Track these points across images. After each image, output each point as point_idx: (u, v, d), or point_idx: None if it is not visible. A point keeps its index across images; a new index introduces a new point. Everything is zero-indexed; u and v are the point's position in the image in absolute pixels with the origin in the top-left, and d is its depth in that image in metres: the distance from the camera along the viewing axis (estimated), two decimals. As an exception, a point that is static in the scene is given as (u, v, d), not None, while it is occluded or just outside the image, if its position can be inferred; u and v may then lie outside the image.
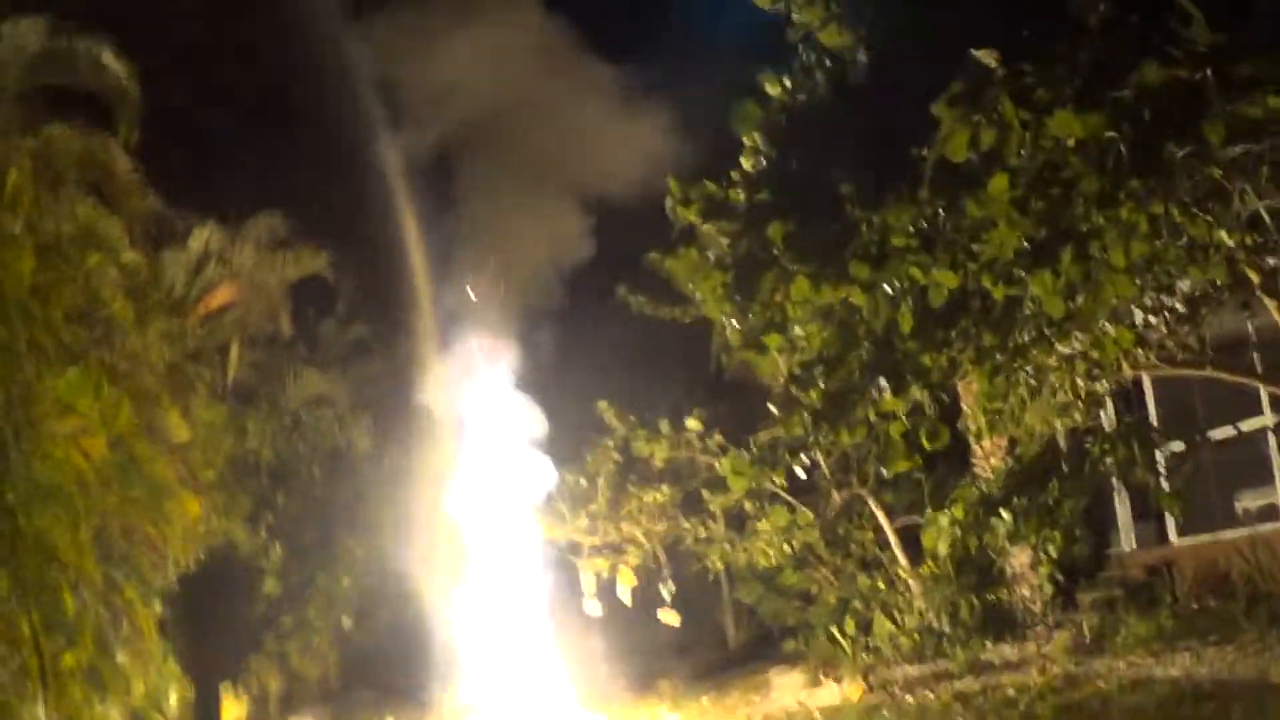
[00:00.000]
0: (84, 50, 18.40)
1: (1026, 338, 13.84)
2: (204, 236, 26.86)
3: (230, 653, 10.19)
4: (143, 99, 18.88)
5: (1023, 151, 11.10)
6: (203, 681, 9.17)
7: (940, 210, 12.17)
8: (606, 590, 25.35)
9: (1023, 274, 11.91)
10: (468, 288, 25.15)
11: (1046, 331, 13.55)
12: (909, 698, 17.83)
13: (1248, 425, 19.78)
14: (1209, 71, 10.31)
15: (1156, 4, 10.41)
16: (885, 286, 13.15)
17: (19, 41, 17.36)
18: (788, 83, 14.35)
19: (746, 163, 14.99)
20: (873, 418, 15.40)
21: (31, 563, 14.02)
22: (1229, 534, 20.30)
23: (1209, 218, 11.56)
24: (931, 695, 17.58)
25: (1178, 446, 18.65)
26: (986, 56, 10.92)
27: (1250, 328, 17.34)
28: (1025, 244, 11.69)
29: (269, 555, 23.80)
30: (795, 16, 13.26)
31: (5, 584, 13.66)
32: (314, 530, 26.24)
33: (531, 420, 24.41)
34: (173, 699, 18.86)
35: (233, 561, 11.59)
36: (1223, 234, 11.65)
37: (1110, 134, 10.61)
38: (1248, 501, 21.12)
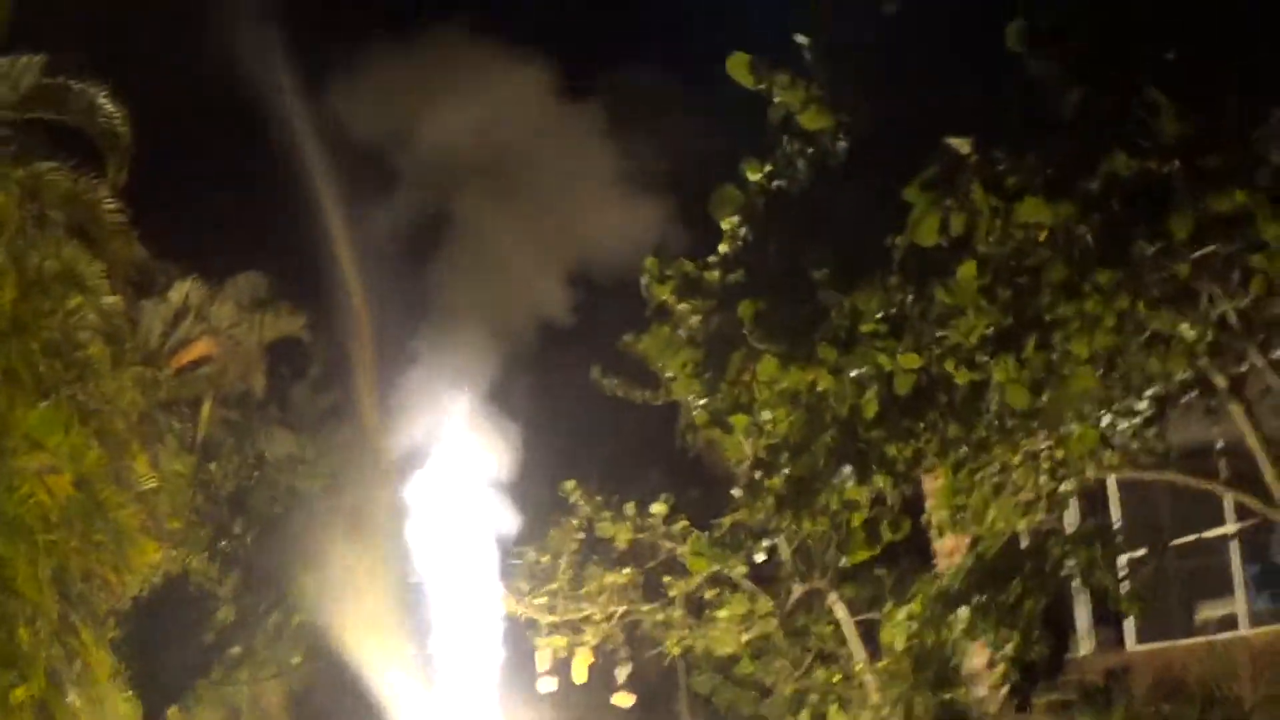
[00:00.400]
0: (79, 90, 18.59)
1: (991, 431, 13.95)
2: (184, 289, 27.00)
3: (178, 675, 10.22)
4: (133, 145, 19.07)
5: (992, 238, 11.28)
6: (150, 702, 9.20)
7: (909, 296, 12.33)
8: (561, 669, 25.31)
9: (986, 359, 12.05)
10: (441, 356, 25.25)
11: (1010, 424, 13.66)
12: (859, 794, 17.84)
13: (1211, 533, 19.90)
14: (1177, 163, 10.50)
15: (1128, 94, 10.62)
16: (852, 372, 13.29)
17: (16, 76, 17.53)
18: (768, 168, 14.53)
19: (723, 245, 15.17)
20: (835, 506, 15.49)
21: (-12, 592, 14.07)
22: (1186, 641, 20.35)
23: (1175, 314, 11.75)
24: (882, 793, 17.58)
25: (1140, 551, 18.76)
26: (960, 143, 11.11)
27: (1216, 435, 17.51)
28: (990, 331, 11.84)
29: (223, 583, 23.77)
30: (777, 98, 13.43)
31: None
32: (269, 562, 26.21)
33: (496, 495, 24.48)
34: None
35: (188, 587, 11.64)
36: (1184, 327, 11.81)
37: (1079, 223, 10.79)
38: (1207, 611, 21.20)
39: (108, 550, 17.30)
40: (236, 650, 19.73)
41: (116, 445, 18.26)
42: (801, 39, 13.41)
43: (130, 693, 16.05)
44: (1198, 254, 11.17)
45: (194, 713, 20.69)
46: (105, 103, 18.58)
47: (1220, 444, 17.59)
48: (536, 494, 25.88)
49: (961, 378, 12.57)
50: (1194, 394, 14.65)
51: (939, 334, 12.48)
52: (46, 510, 15.82)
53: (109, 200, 19.21)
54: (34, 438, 15.79)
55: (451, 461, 24.87)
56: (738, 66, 13.24)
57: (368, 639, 25.50)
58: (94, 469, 17.13)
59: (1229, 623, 20.52)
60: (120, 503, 17.84)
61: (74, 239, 18.46)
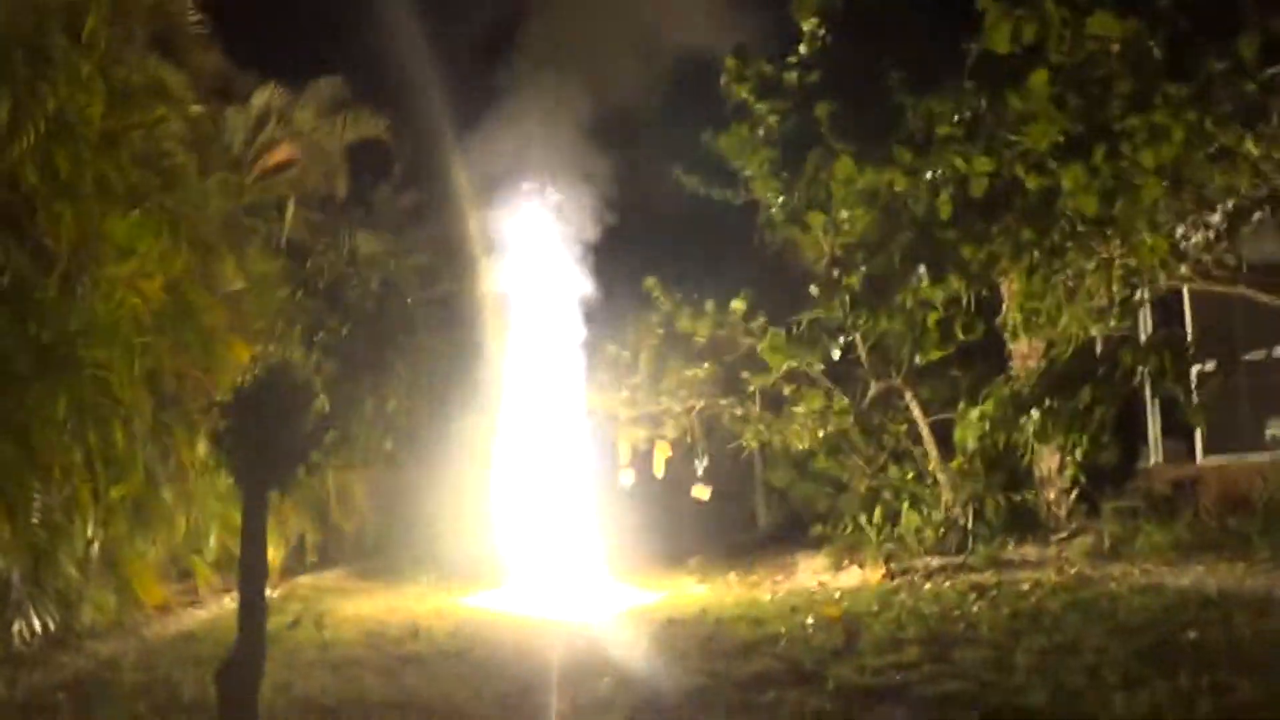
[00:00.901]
0: (158, -98, 18.65)
1: (1064, 237, 14.06)
2: (265, 96, 27.03)
3: (280, 463, 10.65)
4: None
5: (1063, 48, 11.34)
6: (252, 489, 9.61)
7: (983, 101, 12.42)
8: (641, 463, 25.80)
9: (1057, 166, 12.16)
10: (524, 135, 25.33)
11: (1082, 230, 13.78)
12: (927, 585, 18.18)
13: (1281, 351, 20.00)
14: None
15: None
16: (927, 173, 13.42)
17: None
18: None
19: (803, 46, 15.23)
20: (911, 304, 15.70)
21: (88, 393, 14.49)
22: (1254, 457, 20.50)
23: (1242, 129, 11.78)
24: (948, 584, 17.91)
25: (1211, 364, 18.87)
26: (1034, -45, 11.14)
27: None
28: (1061, 138, 11.94)
29: (321, 372, 24.29)
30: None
31: (63, 409, 14.11)
32: (364, 351, 26.72)
33: (578, 288, 24.70)
34: (212, 541, 19.41)
35: (287, 377, 12.04)
36: (1249, 143, 11.85)
37: (1148, 39, 10.82)
38: (1276, 428, 21.31)
39: (198, 351, 17.68)
40: (332, 436, 20.26)
41: (204, 249, 18.54)
42: None
43: (230, 479, 16.55)
44: (1267, 73, 11.20)
45: (296, 500, 21.27)
46: (183, -88, 18.66)
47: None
48: (618, 289, 26.09)
49: (1033, 182, 12.72)
50: (1267, 211, 14.65)
51: (1012, 139, 12.59)
52: (139, 314, 16.18)
53: (190, 11, 19.33)
54: (126, 245, 16.14)
55: (536, 254, 25.05)
56: None
57: (455, 427, 26.01)
58: (183, 273, 17.46)
59: (1297, 440, 20.69)
60: (209, 305, 18.20)
61: (157, 51, 18.60)
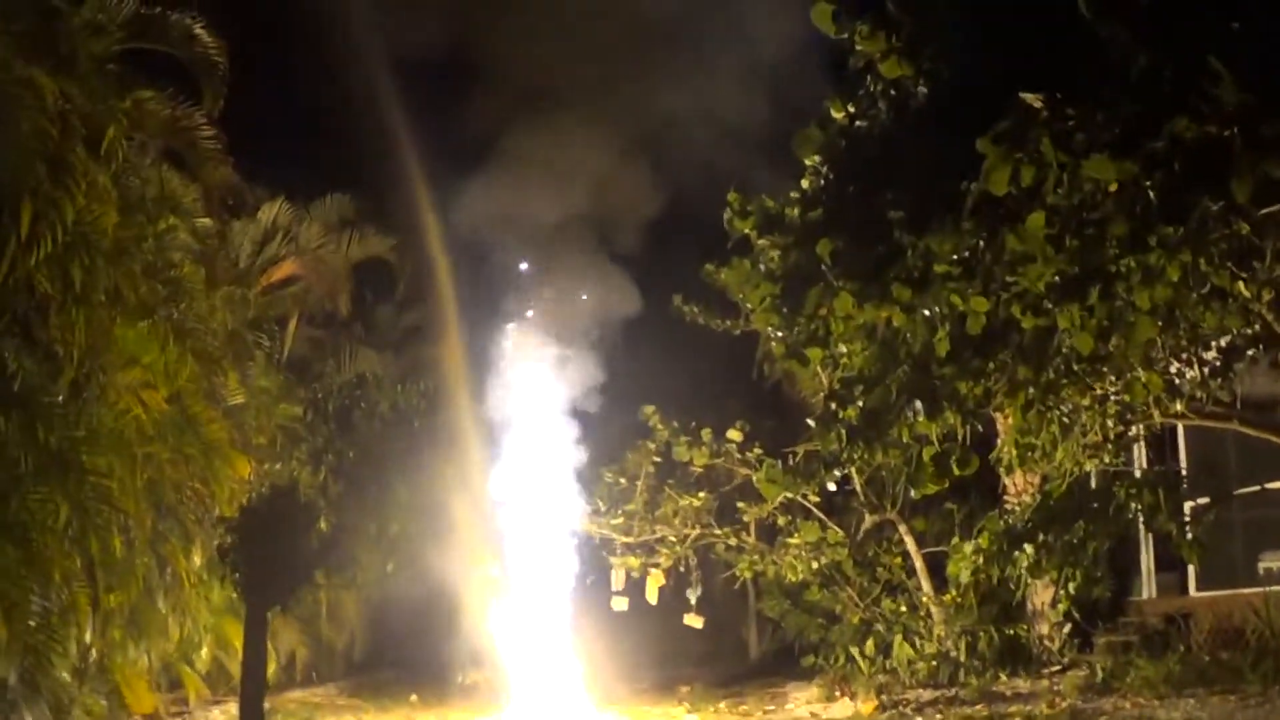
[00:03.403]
0: (176, 20, 19.01)
1: (1060, 374, 14.21)
2: (273, 210, 27.43)
3: (283, 580, 10.72)
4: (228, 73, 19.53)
5: (1060, 191, 11.57)
6: (256, 605, 9.69)
7: (981, 241, 12.63)
8: (634, 589, 25.82)
9: (1052, 307, 12.35)
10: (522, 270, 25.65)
11: (1078, 368, 13.94)
12: (919, 717, 18.21)
13: (1275, 485, 20.05)
14: (1236, 130, 10.74)
15: (1191, 61, 10.85)
16: (925, 310, 13.61)
17: (116, 6, 17.95)
18: (851, 108, 14.80)
19: (805, 182, 15.48)
20: (907, 439, 15.82)
21: (89, 500, 14.61)
22: (1247, 590, 20.49)
23: (1236, 270, 12.00)
24: (940, 717, 17.96)
25: (1204, 499, 18.96)
26: (1033, 99, 11.39)
27: (1284, 388, 17.66)
28: (1057, 279, 12.14)
29: (327, 494, 24.40)
30: (859, 46, 13.71)
31: (65, 515, 14.23)
32: (369, 475, 26.86)
33: (576, 415, 24.89)
34: (204, 652, 19.46)
35: (294, 498, 12.14)
36: (1240, 285, 12.07)
37: (1143, 181, 11.06)
38: (1269, 561, 21.35)
39: (198, 463, 17.83)
40: (337, 556, 20.33)
41: (208, 362, 18.76)
42: (885, -10, 13.70)
43: (235, 595, 16.59)
44: (1261, 213, 11.43)
45: (290, 616, 21.36)
46: (202, 32, 18.98)
47: (1287, 397, 17.78)
48: (616, 417, 26.27)
49: (1029, 323, 12.89)
50: (1260, 348, 14.85)
51: (1008, 279, 12.79)
52: (142, 424, 16.36)
53: (205, 126, 19.67)
54: (132, 354, 16.34)
55: (535, 383, 25.26)
56: (821, 16, 13.54)
57: (452, 550, 26.08)
58: (187, 385, 17.68)
59: (1290, 574, 20.72)
60: (211, 418, 18.39)
61: (169, 162, 18.95)
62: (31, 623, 14.05)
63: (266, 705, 19.90)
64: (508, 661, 24.18)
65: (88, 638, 15.25)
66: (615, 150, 25.03)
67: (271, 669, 22.17)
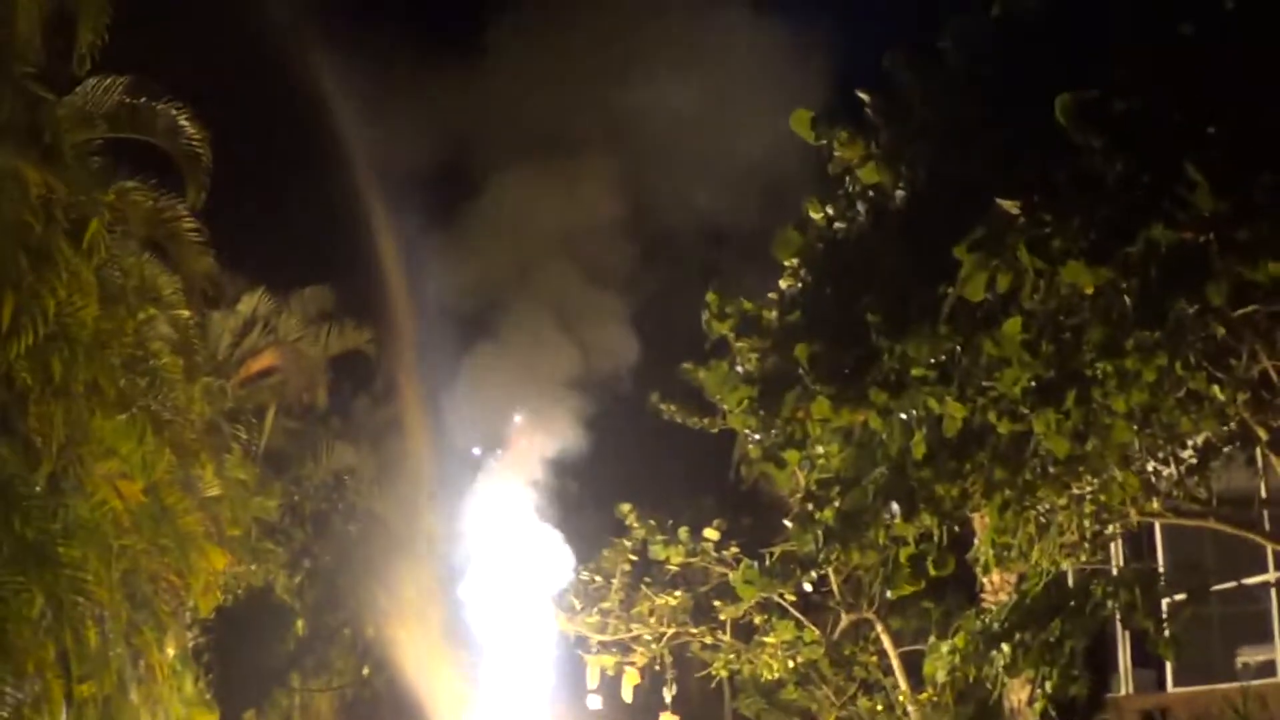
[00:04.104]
0: (162, 112, 19.07)
1: (1036, 475, 14.27)
2: (253, 302, 27.49)
3: (258, 683, 10.66)
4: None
5: (1036, 297, 11.68)
6: (229, 706, 9.66)
7: (958, 346, 12.72)
8: (610, 687, 25.71)
9: (1028, 412, 12.43)
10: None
11: (1054, 469, 13.99)
12: (896, 818, 18.12)
13: (1252, 580, 20.08)
14: (1212, 235, 10.87)
15: (1166, 167, 10.99)
16: (902, 414, 13.69)
17: (100, 97, 18.05)
18: (829, 210, 14.92)
19: (783, 283, 15.59)
20: (884, 540, 15.84)
21: (65, 591, 14.58)
22: (1225, 685, 20.44)
23: (1214, 373, 12.10)
24: (917, 818, 17.86)
25: (1182, 595, 18.98)
26: (1009, 205, 11.51)
27: (1258, 484, 17.72)
28: (1033, 384, 12.22)
29: (303, 598, 24.33)
30: (837, 152, 13.86)
31: (40, 605, 14.19)
32: (346, 579, 26.80)
33: (552, 514, 24.90)
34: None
35: (269, 601, 12.13)
36: (1215, 389, 12.17)
37: (1119, 287, 11.17)
38: (1247, 656, 21.36)
39: (174, 555, 17.79)
40: (311, 660, 20.35)
41: (185, 454, 18.77)
42: (863, 95, 13.86)
43: (209, 696, 16.52)
44: (1237, 313, 11.55)
45: (266, 717, 21.26)
46: (186, 124, 19.02)
47: (1263, 494, 17.82)
48: (591, 515, 26.27)
49: (1005, 427, 12.96)
50: (1236, 445, 14.92)
51: (985, 383, 12.87)
52: (118, 515, 16.35)
53: (186, 218, 19.71)
54: (110, 446, 16.34)
55: (508, 482, 25.30)
56: (799, 122, 13.69)
57: (427, 652, 26.00)
58: (163, 476, 17.68)
59: (1268, 669, 20.69)
60: (187, 509, 18.36)
61: (151, 252, 18.99)
62: (4, 713, 14.01)
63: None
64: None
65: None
66: (593, 245, 25.18)
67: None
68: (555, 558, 25.32)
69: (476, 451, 26.57)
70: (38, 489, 14.99)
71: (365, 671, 27.06)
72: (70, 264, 15.31)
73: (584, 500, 25.90)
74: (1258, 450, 15.40)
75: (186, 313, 20.43)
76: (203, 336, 24.33)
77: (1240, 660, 21.40)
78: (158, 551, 17.52)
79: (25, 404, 14.84)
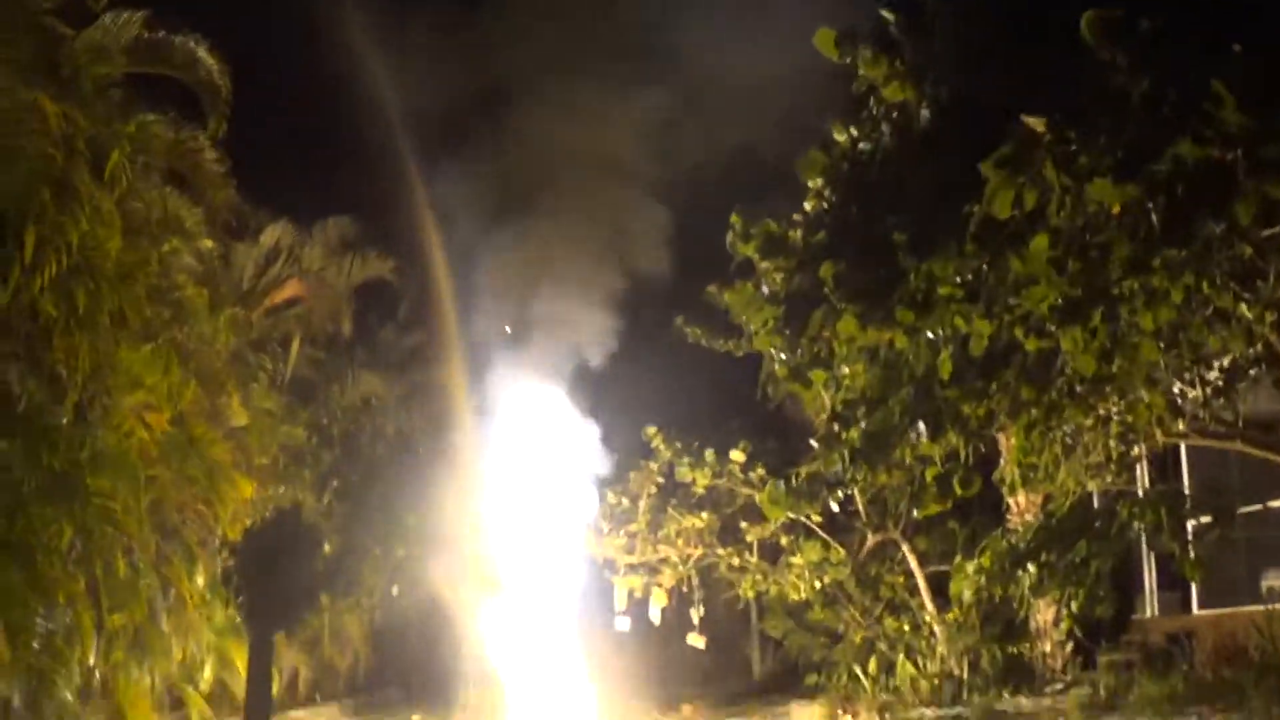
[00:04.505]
0: (179, 44, 18.99)
1: (1062, 394, 14.23)
2: (276, 233, 27.44)
3: (287, 603, 10.74)
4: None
5: (1063, 214, 11.61)
6: (260, 629, 9.72)
7: (984, 264, 12.67)
8: (637, 609, 25.84)
9: (1055, 330, 12.38)
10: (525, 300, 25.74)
11: (1080, 389, 13.95)
12: (921, 736, 18.21)
13: (1278, 503, 20.05)
14: (1239, 152, 10.78)
15: (1193, 85, 10.90)
16: (928, 332, 13.64)
17: (119, 31, 17.96)
18: (854, 132, 14.85)
19: (808, 204, 15.52)
20: (910, 460, 15.85)
21: (93, 522, 14.64)
22: (1250, 608, 20.44)
23: (1241, 292, 12.02)
24: (942, 736, 17.94)
25: (1207, 518, 18.94)
26: (1035, 123, 11.43)
27: (1287, 407, 17.65)
28: (1060, 301, 12.17)
29: (332, 518, 24.44)
30: (862, 71, 13.77)
31: (69, 537, 14.26)
32: (375, 498, 26.89)
33: (580, 436, 24.91)
34: (207, 673, 19.47)
35: (299, 521, 12.23)
36: (1242, 307, 12.09)
37: (1145, 204, 11.10)
38: (1272, 580, 21.34)
39: (201, 485, 17.87)
40: (341, 580, 20.44)
41: (211, 384, 18.84)
42: (887, 15, 13.75)
43: (239, 619, 16.61)
44: (1265, 234, 11.47)
45: (294, 637, 21.41)
46: (205, 56, 18.92)
47: (1289, 417, 17.78)
48: (619, 438, 26.30)
49: (1032, 345, 12.92)
50: (1263, 368, 14.85)
51: (1012, 301, 12.82)
52: (146, 446, 16.41)
53: (208, 149, 19.65)
54: (136, 377, 16.37)
55: (538, 404, 25.30)
56: (824, 41, 13.61)
57: (457, 572, 26.10)
58: (190, 407, 17.73)
59: (1293, 592, 20.71)
60: (214, 439, 18.44)
61: (172, 185, 18.94)
62: (35, 644, 14.10)
63: (269, 724, 19.98)
64: (510, 681, 24.18)
65: (91, 659, 15.26)
66: (620, 171, 25.08)
67: (274, 689, 22.14)
68: (582, 478, 25.35)
69: (505, 341, 26.43)
70: (64, 421, 15.01)
71: (395, 591, 27.17)
72: (92, 196, 15.28)
73: (612, 424, 25.88)
74: (1283, 372, 15.34)
75: (210, 244, 20.41)
76: (226, 268, 24.36)
77: (1265, 584, 21.37)
78: (186, 481, 17.57)
79: (50, 336, 14.84)
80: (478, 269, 26.55)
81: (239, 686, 19.18)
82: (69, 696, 14.93)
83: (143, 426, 16.45)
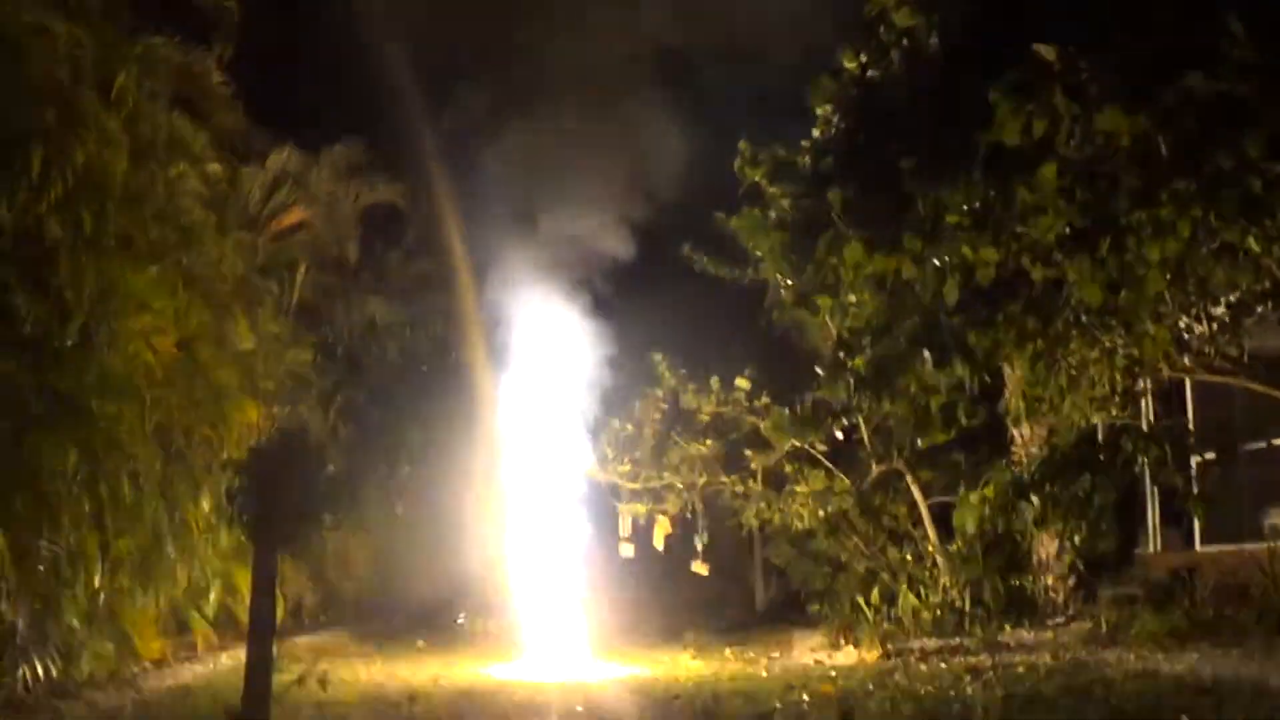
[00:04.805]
0: (187, -36, 18.91)
1: (1068, 326, 14.24)
2: (283, 157, 27.34)
3: (291, 523, 10.77)
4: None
5: (1072, 143, 11.58)
6: (264, 547, 9.76)
7: (992, 192, 12.65)
8: (641, 536, 25.92)
9: (1062, 259, 12.38)
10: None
11: (1086, 320, 13.96)
12: (923, 666, 18.21)
13: (1283, 442, 20.09)
14: (1251, 84, 10.73)
15: (1205, 16, 10.84)
16: (935, 260, 13.64)
17: (124, -47, 17.86)
18: (864, 58, 14.80)
19: (816, 131, 15.50)
20: (915, 389, 15.88)
21: (99, 445, 14.66)
22: (1252, 546, 20.44)
23: (1248, 226, 11.99)
24: (944, 665, 17.95)
25: (1212, 454, 18.97)
26: (1046, 50, 11.39)
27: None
28: (1067, 231, 12.16)
29: (336, 437, 24.48)
30: (873, -6, 13.74)
31: (74, 460, 14.27)
32: (380, 418, 26.91)
33: (585, 363, 24.88)
34: (212, 598, 19.54)
35: (303, 440, 12.23)
36: (1251, 241, 12.07)
37: (1155, 135, 11.07)
38: (1276, 517, 21.36)
39: (207, 408, 17.89)
40: (345, 500, 20.35)
41: (218, 308, 18.84)
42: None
43: (236, 536, 16.63)
44: (1275, 169, 11.42)
45: (298, 560, 21.45)
46: (213, -24, 18.90)
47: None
48: (625, 364, 26.28)
49: (1038, 274, 12.92)
50: (1269, 304, 14.83)
51: (1019, 230, 12.81)
52: (151, 369, 16.42)
53: (215, 71, 19.60)
54: (142, 300, 16.37)
55: (542, 328, 25.24)
56: (833, -36, 13.55)
57: (462, 494, 26.15)
58: (196, 331, 17.74)
59: (1296, 531, 20.73)
60: (220, 363, 18.46)
61: (179, 109, 18.88)
62: (40, 568, 14.15)
63: (274, 649, 20.04)
64: (514, 607, 24.27)
65: (96, 583, 15.29)
66: (628, 97, 24.96)
67: (280, 614, 22.19)
68: (591, 400, 25.35)
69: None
70: (70, 343, 15.00)
71: (399, 510, 27.24)
72: (99, 118, 15.25)
73: (617, 351, 25.83)
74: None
75: (217, 168, 20.37)
76: (233, 192, 24.30)
77: (1268, 522, 21.39)
78: (191, 405, 17.58)
79: (56, 258, 14.82)
80: (486, 193, 26.44)
81: (245, 612, 19.22)
82: (74, 621, 15.01)
83: (149, 350, 16.45)
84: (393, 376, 28.09)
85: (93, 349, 15.33)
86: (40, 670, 13.99)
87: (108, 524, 15.27)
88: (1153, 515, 23.10)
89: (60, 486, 14.39)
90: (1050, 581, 22.60)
